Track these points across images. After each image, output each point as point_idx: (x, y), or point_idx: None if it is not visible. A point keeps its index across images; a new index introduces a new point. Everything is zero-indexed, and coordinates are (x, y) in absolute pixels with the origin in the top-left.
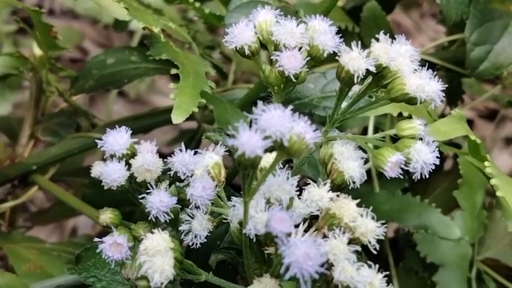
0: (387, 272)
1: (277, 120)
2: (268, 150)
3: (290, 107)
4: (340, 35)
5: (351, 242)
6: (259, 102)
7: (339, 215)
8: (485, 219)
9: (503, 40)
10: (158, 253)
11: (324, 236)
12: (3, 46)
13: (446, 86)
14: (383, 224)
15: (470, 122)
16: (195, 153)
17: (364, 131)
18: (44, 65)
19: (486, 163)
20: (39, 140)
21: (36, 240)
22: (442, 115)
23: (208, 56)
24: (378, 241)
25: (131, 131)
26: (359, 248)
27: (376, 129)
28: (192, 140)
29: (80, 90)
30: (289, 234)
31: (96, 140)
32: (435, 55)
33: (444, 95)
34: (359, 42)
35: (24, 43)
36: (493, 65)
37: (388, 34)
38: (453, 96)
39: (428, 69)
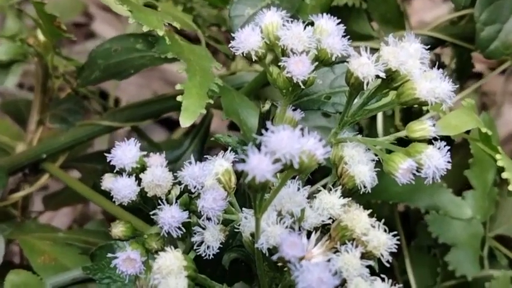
0: (401, 285)
1: (286, 141)
2: (278, 172)
3: (299, 126)
4: (347, 12)
5: (363, 256)
6: (268, 123)
7: (351, 227)
8: (497, 195)
9: None
10: (171, 273)
11: (336, 251)
12: (8, 18)
13: (455, 61)
14: (394, 204)
15: (479, 75)
16: (205, 152)
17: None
18: (49, 51)
19: (497, 156)
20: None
21: (49, 229)
22: None
23: (214, 38)
24: (389, 217)
25: (140, 117)
26: (372, 263)
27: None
28: (201, 127)
29: (86, 81)
30: (301, 259)
31: (105, 154)
32: (443, 31)
33: (453, 70)
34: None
35: (28, 9)
36: (503, 44)
37: (396, 9)
38: (462, 71)
39: (437, 47)
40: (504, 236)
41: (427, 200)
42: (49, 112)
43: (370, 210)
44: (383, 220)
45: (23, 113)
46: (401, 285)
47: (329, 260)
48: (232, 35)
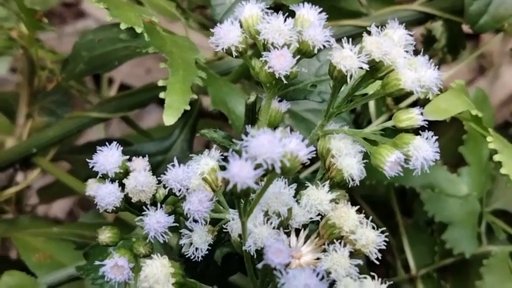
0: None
1: (267, 146)
2: (261, 176)
3: (280, 128)
4: None
5: (352, 254)
6: (249, 127)
7: (339, 225)
8: (493, 170)
9: None
10: (158, 281)
11: (324, 250)
12: None
13: (446, 35)
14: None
15: (476, 36)
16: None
17: None
18: (34, 44)
19: (489, 138)
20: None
21: (43, 223)
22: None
23: (200, 23)
24: (386, 195)
25: (128, 107)
26: (360, 262)
27: None
28: (191, 115)
29: (71, 75)
30: (287, 265)
31: (87, 160)
32: (433, 5)
33: (445, 44)
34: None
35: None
36: (493, 18)
37: None
38: (454, 45)
39: (427, 21)
40: (502, 210)
41: (422, 178)
42: (37, 105)
43: (358, 207)
44: (370, 217)
45: (11, 105)
46: (391, 282)
47: (318, 259)
48: (212, 30)
